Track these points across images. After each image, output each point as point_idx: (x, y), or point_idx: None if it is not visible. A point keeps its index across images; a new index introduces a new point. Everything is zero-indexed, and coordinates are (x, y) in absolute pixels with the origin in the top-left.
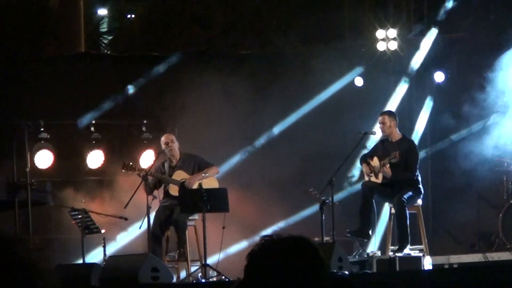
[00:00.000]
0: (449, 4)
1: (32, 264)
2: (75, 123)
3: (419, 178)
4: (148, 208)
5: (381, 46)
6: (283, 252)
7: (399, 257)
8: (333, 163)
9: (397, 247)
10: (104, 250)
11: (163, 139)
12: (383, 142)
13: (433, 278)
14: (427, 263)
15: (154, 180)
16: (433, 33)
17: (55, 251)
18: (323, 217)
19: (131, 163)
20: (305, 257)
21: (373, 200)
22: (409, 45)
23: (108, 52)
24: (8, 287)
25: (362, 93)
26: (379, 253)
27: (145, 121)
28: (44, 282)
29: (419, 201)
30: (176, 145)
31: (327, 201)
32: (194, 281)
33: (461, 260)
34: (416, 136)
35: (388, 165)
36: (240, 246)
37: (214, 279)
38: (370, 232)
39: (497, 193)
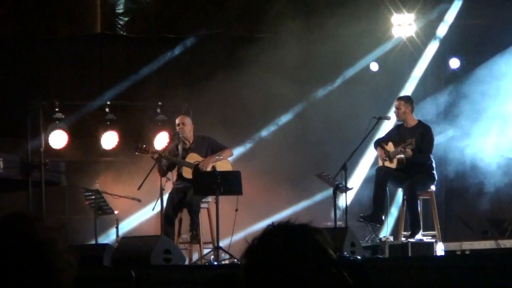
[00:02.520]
0: None
1: (50, 242)
2: (89, 103)
3: (433, 164)
4: (162, 190)
5: (396, 32)
6: (284, 242)
7: (412, 242)
8: (347, 148)
9: (409, 232)
10: (117, 231)
11: (176, 120)
12: (398, 127)
13: (445, 264)
14: (440, 249)
15: (168, 162)
16: (449, 18)
17: (68, 231)
18: (337, 202)
19: (144, 146)
20: (305, 248)
21: (387, 185)
22: (425, 31)
23: (124, 33)
24: (26, 265)
25: (377, 78)
26: (391, 238)
27: (160, 103)
28: (61, 260)
29: (433, 187)
30: (188, 128)
31: (341, 185)
32: (207, 264)
33: (473, 246)
34: (430, 122)
35: (408, 148)
36: (253, 229)
37: (227, 261)
38: (383, 217)
39: (510, 180)
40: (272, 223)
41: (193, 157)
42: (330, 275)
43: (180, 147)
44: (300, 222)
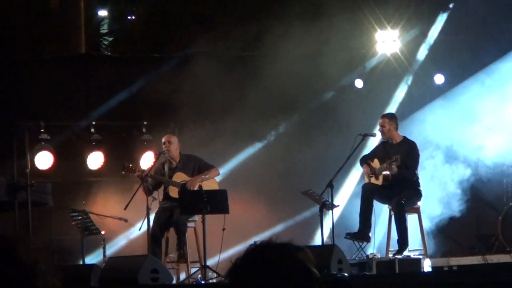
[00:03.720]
0: (450, 5)
1: (33, 264)
2: (75, 124)
3: (419, 180)
4: (148, 210)
5: (381, 48)
6: (266, 261)
7: (399, 259)
8: (333, 165)
9: (396, 249)
10: (104, 251)
11: (163, 139)
12: (384, 144)
13: (433, 280)
14: (427, 265)
15: (154, 182)
16: (434, 34)
17: (54, 252)
18: (323, 219)
19: (130, 165)
20: (288, 266)
21: (373, 202)
22: (409, 47)
23: (109, 53)
24: (8, 287)
25: (362, 95)
26: (378, 255)
27: (145, 122)
28: (45, 282)
29: (419, 203)
30: (174, 146)
31: (327, 202)
32: (194, 283)
33: (460, 262)
34: (415, 137)
35: (393, 165)
36: (240, 247)
37: (214, 280)
38: (370, 234)
39: (497, 195)
40: (254, 242)
41: (179, 176)
42: None
43: (166, 167)
44: (282, 240)
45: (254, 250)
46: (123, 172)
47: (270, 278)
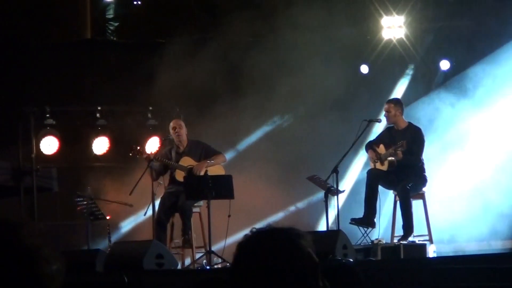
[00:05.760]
0: None
1: (36, 248)
2: (80, 109)
3: (424, 166)
4: (153, 195)
5: (386, 34)
6: (269, 244)
7: (404, 244)
8: (339, 151)
9: (401, 234)
10: (109, 237)
11: (171, 124)
12: (389, 129)
13: (438, 266)
14: (432, 251)
15: (160, 166)
16: (439, 20)
17: (60, 237)
18: (328, 204)
19: (138, 147)
20: (288, 252)
21: (378, 187)
22: (415, 33)
23: (114, 39)
24: (12, 272)
25: (367, 81)
26: (383, 241)
27: (150, 108)
28: (48, 267)
29: (424, 189)
30: (184, 131)
31: (332, 188)
32: (199, 268)
33: (465, 248)
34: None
35: (399, 150)
36: (246, 233)
37: (219, 265)
38: (375, 220)
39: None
40: (252, 229)
41: (186, 161)
42: (315, 283)
43: (173, 152)
44: (284, 226)
45: (254, 237)
46: (130, 154)
47: (269, 265)
